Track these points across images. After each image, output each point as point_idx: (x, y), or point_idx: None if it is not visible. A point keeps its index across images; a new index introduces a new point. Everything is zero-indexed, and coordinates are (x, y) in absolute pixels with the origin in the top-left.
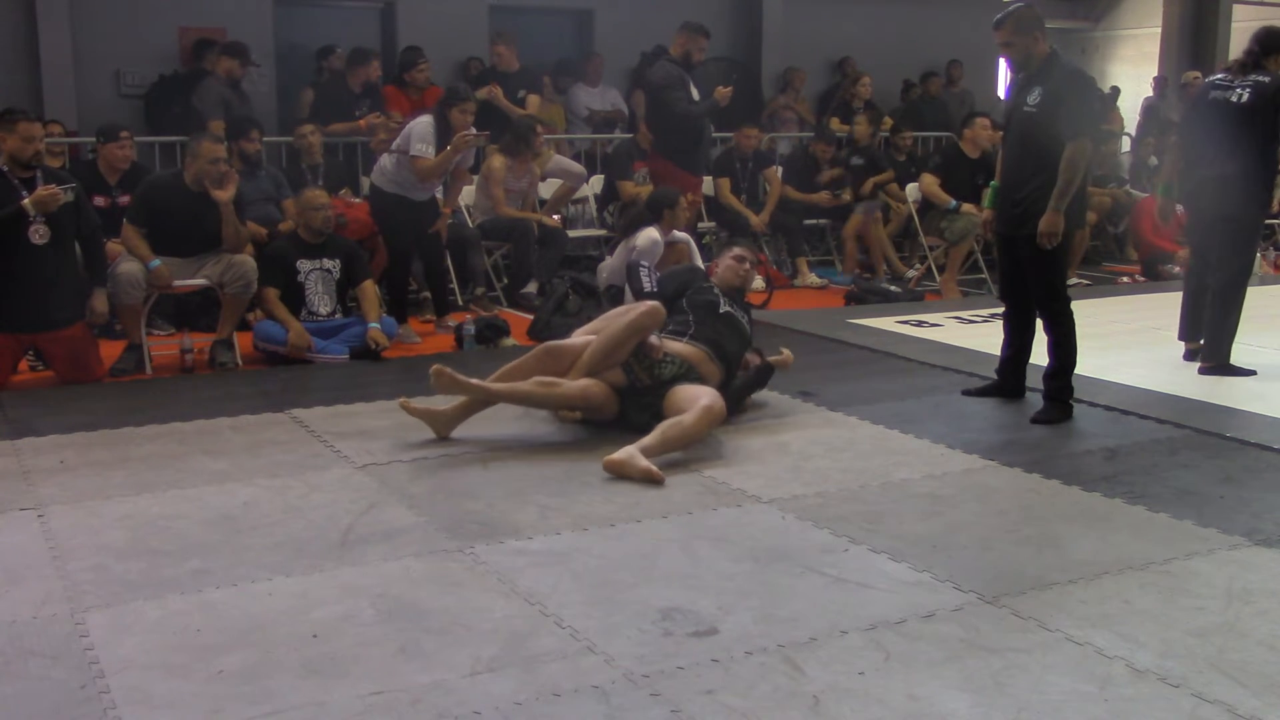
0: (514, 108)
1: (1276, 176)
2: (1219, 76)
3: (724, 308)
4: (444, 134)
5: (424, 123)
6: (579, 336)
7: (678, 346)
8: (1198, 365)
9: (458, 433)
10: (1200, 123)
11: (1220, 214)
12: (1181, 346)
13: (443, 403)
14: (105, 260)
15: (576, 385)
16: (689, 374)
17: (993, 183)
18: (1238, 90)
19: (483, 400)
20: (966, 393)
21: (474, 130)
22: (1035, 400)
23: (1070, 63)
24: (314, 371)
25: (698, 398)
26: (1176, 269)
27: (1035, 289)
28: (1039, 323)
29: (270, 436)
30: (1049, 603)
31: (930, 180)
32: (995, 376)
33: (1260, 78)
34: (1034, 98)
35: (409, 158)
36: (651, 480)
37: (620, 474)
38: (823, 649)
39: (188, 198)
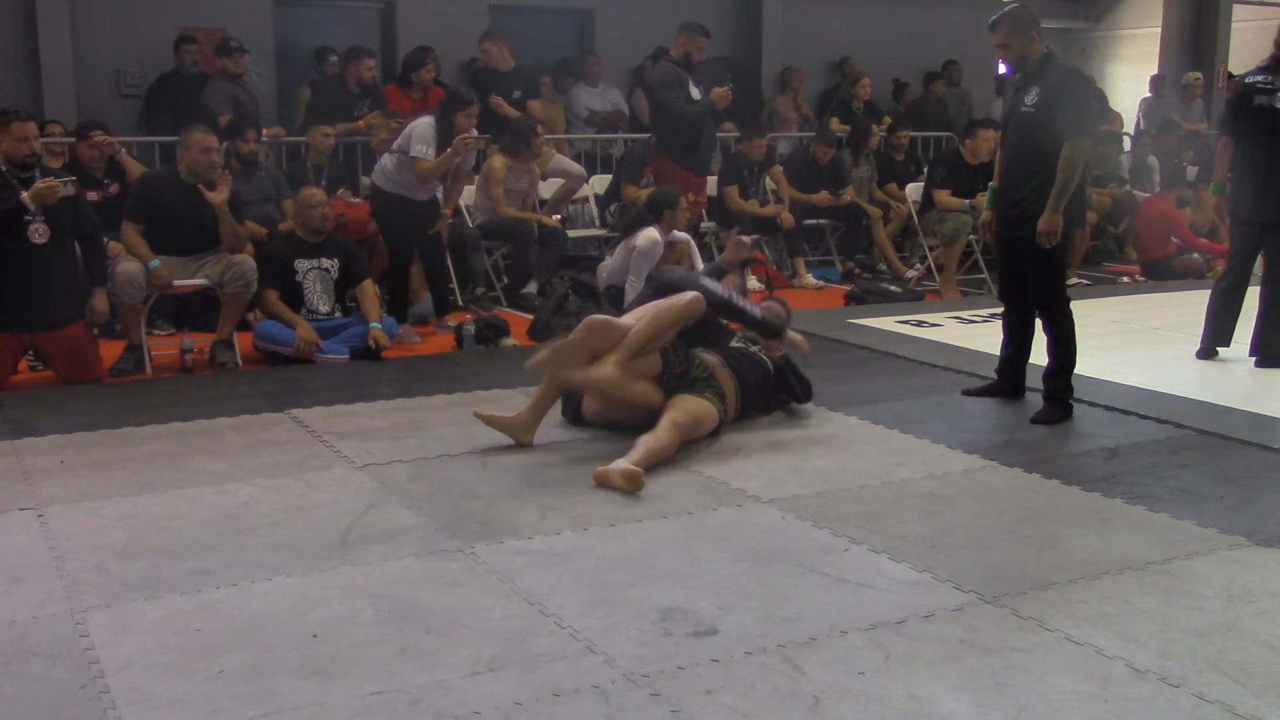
0: (514, 111)
1: None
2: (1258, 78)
3: (734, 342)
4: (445, 136)
5: (425, 124)
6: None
7: (705, 355)
8: (1253, 360)
9: (457, 433)
10: (1246, 129)
11: (1271, 218)
12: (1192, 345)
13: (512, 410)
14: (105, 259)
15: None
16: (710, 380)
17: (991, 184)
18: (1279, 95)
19: (552, 397)
20: (967, 393)
21: (475, 133)
22: (1035, 400)
23: (1067, 62)
24: (314, 371)
25: (678, 410)
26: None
27: (1034, 289)
28: (1039, 323)
29: (270, 436)
30: (1049, 603)
31: (942, 195)
32: (995, 376)
33: None
34: (1031, 98)
35: (409, 158)
36: (634, 481)
37: (605, 484)
38: (823, 649)
39: (183, 191)
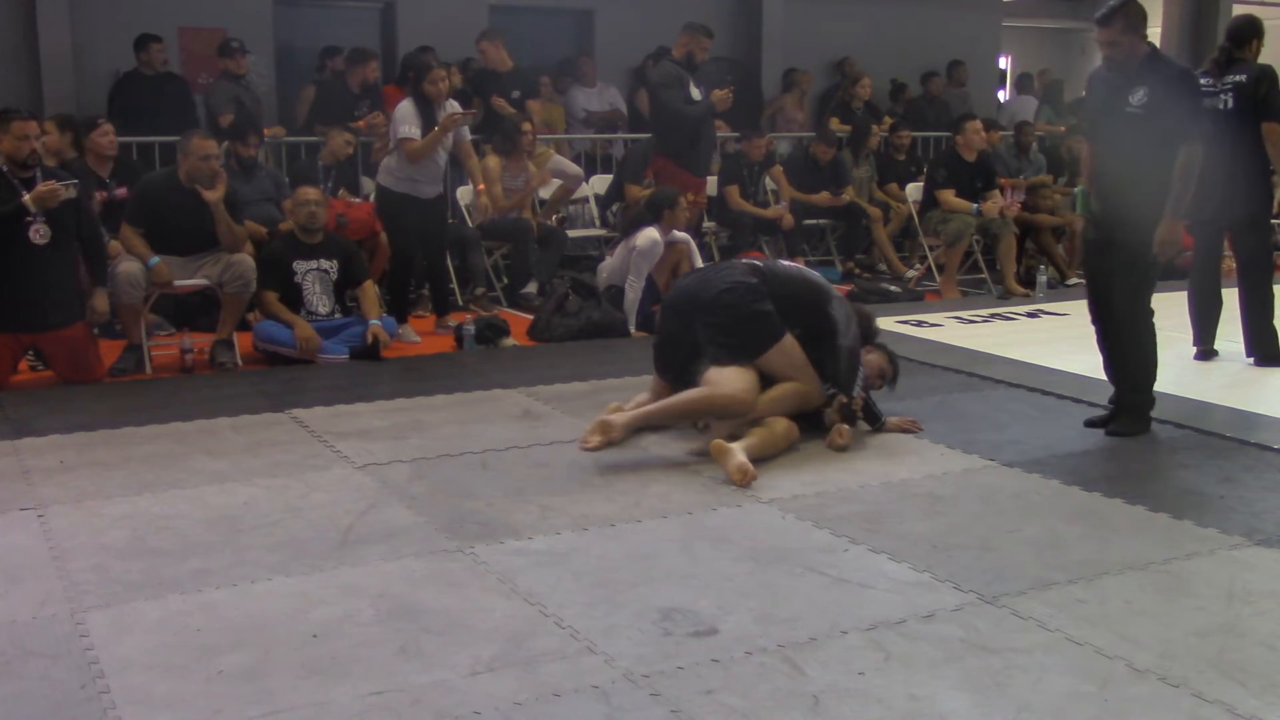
0: (511, 109)
1: (1274, 175)
2: (1202, 81)
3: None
4: (425, 111)
5: (404, 105)
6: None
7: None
8: (1251, 360)
9: (457, 433)
10: None
11: (1231, 218)
12: (1192, 348)
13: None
14: (106, 260)
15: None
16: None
17: (1079, 186)
18: (1222, 96)
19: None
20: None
21: (460, 108)
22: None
23: (1175, 62)
24: (314, 371)
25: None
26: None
27: (1120, 293)
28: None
29: (270, 436)
30: (1049, 603)
31: (947, 195)
32: (1110, 405)
33: (1238, 77)
34: (1138, 98)
35: (399, 142)
36: (745, 474)
37: (718, 457)
38: (823, 649)
39: (184, 195)
